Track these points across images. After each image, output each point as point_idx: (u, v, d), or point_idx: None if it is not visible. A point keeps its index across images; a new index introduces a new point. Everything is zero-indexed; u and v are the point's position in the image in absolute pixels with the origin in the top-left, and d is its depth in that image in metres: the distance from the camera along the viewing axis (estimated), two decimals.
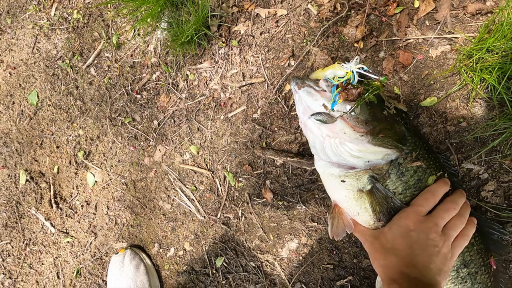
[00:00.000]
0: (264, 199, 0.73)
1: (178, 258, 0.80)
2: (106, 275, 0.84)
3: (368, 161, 0.54)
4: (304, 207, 0.71)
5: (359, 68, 0.55)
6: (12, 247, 0.91)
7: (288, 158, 0.69)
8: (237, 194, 0.75)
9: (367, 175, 0.55)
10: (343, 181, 0.56)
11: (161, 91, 0.78)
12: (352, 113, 0.55)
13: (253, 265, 0.74)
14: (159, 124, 0.78)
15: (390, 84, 0.62)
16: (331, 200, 0.60)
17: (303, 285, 0.72)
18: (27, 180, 0.89)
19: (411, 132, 0.56)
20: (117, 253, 0.79)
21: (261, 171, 0.73)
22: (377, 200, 0.54)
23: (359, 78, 0.56)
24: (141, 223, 0.82)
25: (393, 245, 0.50)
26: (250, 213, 0.74)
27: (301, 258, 0.72)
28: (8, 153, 0.91)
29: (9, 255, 0.91)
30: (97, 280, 0.85)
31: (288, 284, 0.72)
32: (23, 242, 0.90)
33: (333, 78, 0.57)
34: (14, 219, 0.91)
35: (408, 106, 0.61)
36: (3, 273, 0.91)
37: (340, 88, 0.55)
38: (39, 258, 0.90)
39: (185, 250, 0.79)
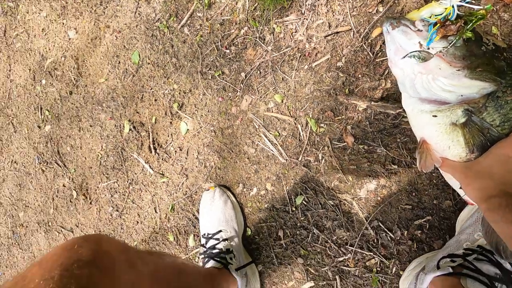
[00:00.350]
0: (345, 143, 0.76)
1: (260, 197, 0.88)
2: (196, 211, 0.95)
3: (462, 95, 0.55)
4: (385, 150, 0.73)
5: (460, 1, 0.55)
6: (118, 186, 1.06)
7: (372, 103, 0.71)
8: (318, 139, 0.79)
9: (461, 108, 0.55)
10: (435, 116, 0.58)
11: (249, 45, 0.83)
12: (449, 49, 0.55)
13: (332, 203, 0.79)
14: (246, 76, 0.84)
15: (488, 24, 0.60)
16: (418, 137, 0.61)
17: (380, 223, 0.75)
18: (130, 129, 1.02)
19: (511, 67, 0.55)
20: (208, 190, 0.89)
21: (343, 117, 0.76)
22: (471, 132, 0.55)
23: (458, 12, 0.56)
24: (227, 166, 0.91)
25: (490, 171, 0.51)
26: (330, 156, 0.78)
27: (379, 198, 0.75)
28: (115, 106, 1.04)
29: (116, 192, 1.07)
30: (188, 215, 0.97)
31: (365, 221, 0.76)
32: (127, 182, 1.05)
33: (430, 17, 0.58)
34: (119, 162, 1.06)
35: (508, 45, 0.59)
36: (111, 207, 1.07)
37: (438, 25, 0.55)
38: (140, 195, 1.04)
39: (266, 190, 0.86)
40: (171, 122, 0.97)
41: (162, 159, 0.99)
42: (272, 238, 0.86)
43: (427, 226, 0.71)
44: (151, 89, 0.98)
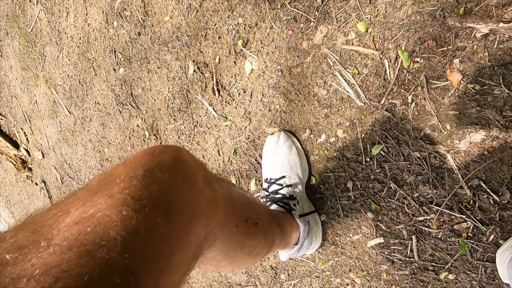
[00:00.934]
0: (447, 82, 0.58)
1: (328, 145, 0.76)
2: (259, 156, 0.89)
3: None
4: (506, 91, 0.53)
5: None
6: (184, 127, 1.05)
7: (501, 25, 0.50)
8: (409, 77, 0.62)
9: None
10: None
11: None
12: None
13: (418, 155, 0.64)
14: (322, 1, 0.68)
15: None
16: None
17: (482, 182, 0.59)
18: (194, 71, 0.96)
19: None
20: (272, 134, 0.81)
21: (449, 47, 0.56)
22: None
23: None
24: (294, 109, 0.80)
25: None
26: (424, 99, 0.61)
27: (485, 153, 0.58)
28: (179, 46, 0.98)
29: (182, 134, 1.06)
30: (250, 159, 0.92)
31: (461, 179, 0.60)
32: (192, 124, 1.02)
33: None
34: (185, 105, 1.03)
35: None
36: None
37: None
38: (204, 138, 1.01)
39: (337, 137, 0.75)
40: (235, 62, 0.87)
41: (226, 102, 0.93)
42: (340, 189, 0.76)
43: None
44: (214, 25, 0.88)
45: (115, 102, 1.22)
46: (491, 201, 0.58)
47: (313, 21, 0.71)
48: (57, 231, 0.25)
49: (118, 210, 0.26)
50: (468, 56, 0.55)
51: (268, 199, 0.76)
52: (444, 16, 0.55)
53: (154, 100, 1.11)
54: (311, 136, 0.79)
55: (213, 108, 0.96)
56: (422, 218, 0.66)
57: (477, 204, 0.60)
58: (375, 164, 0.70)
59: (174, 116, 1.06)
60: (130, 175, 0.30)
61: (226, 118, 0.94)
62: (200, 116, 1.00)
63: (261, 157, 0.87)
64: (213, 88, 0.93)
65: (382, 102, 0.66)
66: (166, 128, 1.09)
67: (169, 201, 0.30)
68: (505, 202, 0.57)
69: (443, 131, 0.61)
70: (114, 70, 1.19)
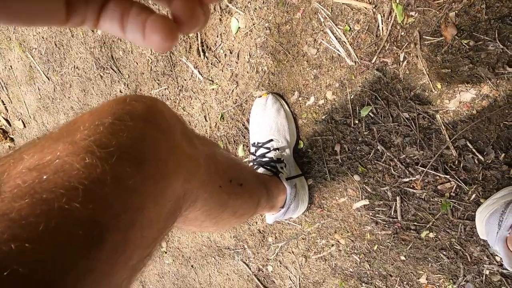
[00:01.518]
0: (441, 38, 0.55)
1: (317, 107, 0.74)
2: (246, 120, 0.86)
3: None
4: (501, 47, 0.51)
5: None
6: (169, 92, 1.00)
7: None
8: (402, 33, 0.59)
9: None
10: None
11: None
12: None
13: (407, 116, 0.63)
14: None
15: None
16: None
17: (468, 142, 0.58)
18: None
19: None
20: (260, 96, 0.78)
21: None
22: None
23: None
24: (282, 70, 0.76)
25: None
26: (416, 56, 0.59)
27: (474, 112, 0.57)
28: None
29: (167, 99, 1.02)
30: (238, 124, 0.89)
31: (448, 139, 0.60)
32: (177, 88, 0.98)
33: None
34: (169, 68, 0.97)
35: None
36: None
37: None
38: (190, 103, 0.97)
39: (326, 99, 0.72)
40: (220, 19, 0.81)
41: (212, 64, 0.88)
42: (327, 153, 0.75)
43: None
44: None
45: (95, 66, 1.15)
46: (476, 161, 0.58)
47: None
48: (7, 177, 0.22)
49: (80, 157, 0.23)
50: (465, 9, 0.52)
51: (255, 163, 0.75)
52: None
53: (136, 63, 1.04)
54: (300, 98, 0.76)
55: (199, 71, 0.91)
56: (407, 180, 0.66)
57: (461, 164, 0.60)
58: (363, 127, 0.68)
59: (158, 80, 1.01)
60: (96, 123, 0.27)
61: (212, 81, 0.90)
62: (185, 79, 0.95)
63: (248, 122, 0.85)
64: (198, 49, 0.88)
65: (373, 61, 0.63)
66: (150, 94, 1.04)
67: (141, 151, 0.27)
68: (489, 161, 0.57)
69: (433, 90, 0.59)
70: (92, 31, 1.11)
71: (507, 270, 0.61)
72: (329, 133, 0.74)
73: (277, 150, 0.75)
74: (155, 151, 0.29)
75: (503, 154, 0.56)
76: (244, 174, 0.53)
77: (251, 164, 0.76)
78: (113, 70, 1.10)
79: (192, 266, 1.18)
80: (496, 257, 0.62)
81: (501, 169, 0.57)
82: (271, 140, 0.75)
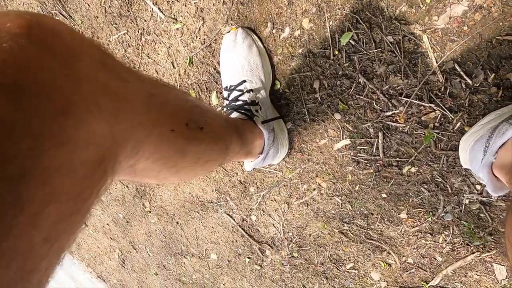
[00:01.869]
0: None
1: (293, 40, 0.66)
2: (217, 63, 0.77)
3: None
4: None
5: None
6: (130, 37, 0.89)
7: None
8: None
9: None
10: None
11: None
12: None
13: (391, 40, 0.56)
14: None
15: None
16: None
17: (456, 64, 0.53)
18: None
19: None
20: (229, 31, 0.69)
21: None
22: None
23: None
24: None
25: None
26: None
27: (465, 28, 0.50)
28: None
29: (129, 46, 0.90)
30: (209, 68, 0.80)
31: (435, 63, 0.54)
32: (138, 32, 0.86)
33: None
34: (125, 7, 0.85)
35: None
36: (128, 63, 0.93)
37: None
38: (154, 48, 0.86)
39: (302, 28, 0.64)
40: None
41: (172, 0, 0.76)
42: (306, 91, 0.69)
43: None
44: None
45: (42, 12, 0.99)
46: (463, 85, 0.54)
47: None
48: None
49: None
50: None
51: (229, 108, 0.68)
52: None
53: (88, 5, 0.90)
54: (274, 31, 0.67)
55: (159, 8, 0.79)
56: (390, 113, 0.61)
57: (448, 91, 0.55)
58: (344, 57, 0.61)
59: (116, 24, 0.88)
60: None
61: (176, 20, 0.78)
62: (145, 20, 0.83)
63: (219, 64, 0.76)
64: None
65: None
66: (109, 41, 0.92)
67: (18, 78, 0.20)
68: (477, 85, 0.53)
69: (421, 5, 0.51)
70: None
71: (487, 197, 0.60)
72: (307, 69, 0.67)
73: (251, 92, 0.68)
74: (44, 80, 0.21)
75: (492, 75, 0.51)
76: (206, 118, 0.47)
77: (224, 110, 0.69)
78: (62, 15, 0.95)
79: (177, 222, 1.17)
80: (477, 186, 0.61)
81: (489, 92, 0.52)
82: (244, 81, 0.68)
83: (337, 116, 0.67)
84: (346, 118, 0.66)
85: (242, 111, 0.66)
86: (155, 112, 0.35)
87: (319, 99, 0.67)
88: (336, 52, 0.62)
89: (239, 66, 0.68)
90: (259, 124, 0.64)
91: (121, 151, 0.29)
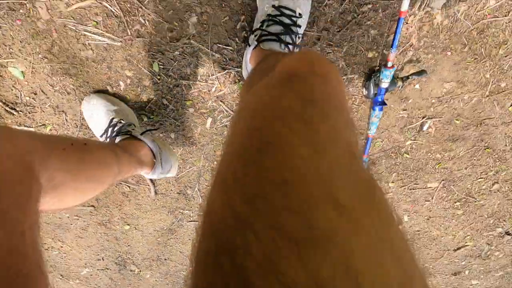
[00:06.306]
0: None
1: (130, 87, 0.91)
2: (87, 127, 0.98)
3: None
4: None
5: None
6: None
7: None
8: (128, 4, 0.77)
9: None
10: None
11: None
12: None
13: (188, 50, 0.85)
14: None
15: None
16: None
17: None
18: None
19: None
20: (82, 99, 0.90)
21: None
22: None
23: None
24: (83, 79, 0.88)
25: None
26: (149, 14, 0.79)
27: None
28: None
29: None
30: (90, 132, 1.00)
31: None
32: None
33: None
34: None
35: None
36: None
37: None
38: None
39: (129, 77, 0.89)
40: (1, 75, 0.86)
41: (29, 112, 0.93)
42: (162, 109, 0.95)
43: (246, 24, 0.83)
44: None
45: None
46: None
47: (27, 2, 0.74)
48: None
49: None
50: None
51: (110, 138, 0.81)
52: None
53: None
54: (114, 89, 0.91)
55: (25, 126, 0.95)
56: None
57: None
58: (164, 76, 0.89)
59: None
60: None
61: (45, 125, 0.96)
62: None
63: (89, 128, 0.95)
64: (5, 110, 0.91)
65: (130, 33, 0.81)
66: None
67: None
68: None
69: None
70: None
71: None
72: (152, 93, 0.93)
73: (122, 121, 0.83)
74: None
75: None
76: (86, 140, 0.60)
77: (108, 142, 0.81)
78: None
79: (165, 259, 1.34)
80: None
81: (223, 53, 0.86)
82: (113, 118, 0.82)
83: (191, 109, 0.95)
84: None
85: (123, 132, 0.80)
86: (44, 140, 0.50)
87: (173, 109, 0.94)
88: (158, 76, 0.89)
89: (103, 114, 0.84)
90: (137, 135, 0.79)
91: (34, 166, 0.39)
